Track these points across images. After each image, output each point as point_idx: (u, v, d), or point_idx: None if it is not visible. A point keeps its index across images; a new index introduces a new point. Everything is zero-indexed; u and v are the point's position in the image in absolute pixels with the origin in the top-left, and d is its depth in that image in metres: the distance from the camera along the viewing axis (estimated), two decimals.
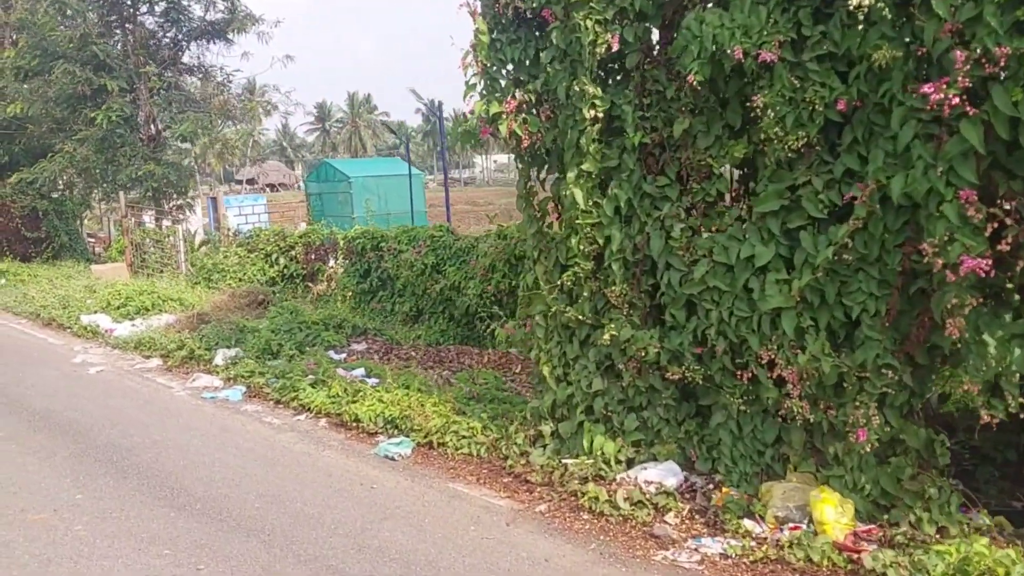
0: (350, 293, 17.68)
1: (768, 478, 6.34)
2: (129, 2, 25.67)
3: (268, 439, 8.53)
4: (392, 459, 7.79)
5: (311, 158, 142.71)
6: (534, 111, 7.22)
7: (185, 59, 27.21)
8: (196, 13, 26.26)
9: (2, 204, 26.25)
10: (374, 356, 11.94)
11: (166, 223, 26.18)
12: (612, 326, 6.77)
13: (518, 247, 13.86)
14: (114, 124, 24.14)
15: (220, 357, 11.38)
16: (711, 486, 6.54)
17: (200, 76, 27.61)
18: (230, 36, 26.66)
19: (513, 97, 7.15)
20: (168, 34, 26.80)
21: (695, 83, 6.02)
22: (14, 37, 25.73)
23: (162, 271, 23.18)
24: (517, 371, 12.16)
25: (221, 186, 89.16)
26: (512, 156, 7.70)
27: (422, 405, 8.57)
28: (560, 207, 7.62)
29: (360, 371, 10.50)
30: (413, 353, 12.36)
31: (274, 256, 19.67)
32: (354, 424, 8.67)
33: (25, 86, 24.66)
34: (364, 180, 41.71)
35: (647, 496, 6.31)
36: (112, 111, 23.96)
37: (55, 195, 27.58)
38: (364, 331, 13.28)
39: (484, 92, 7.27)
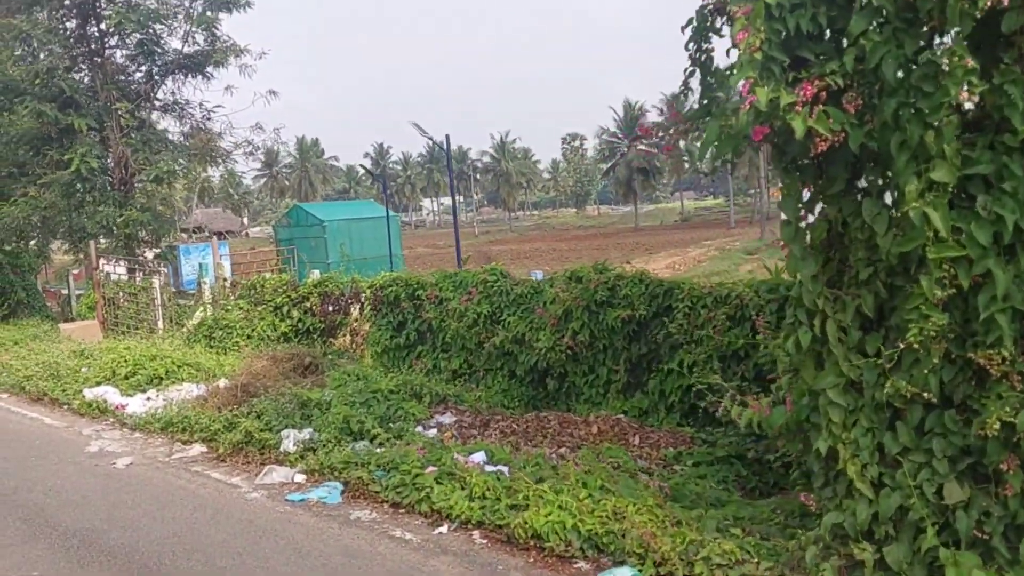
0: (380, 349, 15.33)
1: None
2: (98, 34, 23.22)
3: (420, 570, 6.15)
4: None
5: (257, 204, 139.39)
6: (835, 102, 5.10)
7: (159, 95, 24.78)
8: (172, 45, 23.86)
9: None
10: (473, 431, 9.64)
11: (140, 275, 23.63)
12: (1002, 408, 4.61)
13: (598, 291, 11.86)
14: (90, 169, 21.59)
15: (290, 441, 8.93)
16: None
17: (176, 113, 25.09)
18: (208, 70, 24.26)
19: (809, 82, 5.02)
20: (141, 68, 24.35)
21: None
22: None
23: (137, 329, 20.64)
24: (636, 443, 10.08)
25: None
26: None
27: (622, 512, 6.28)
28: (840, 235, 5.51)
29: (480, 456, 8.17)
30: (515, 426, 10.08)
31: (285, 308, 17.25)
32: (531, 543, 6.33)
33: None
34: (338, 224, 39.60)
35: None
36: (87, 156, 21.41)
37: (8, 247, 24.59)
38: (443, 399, 10.95)
39: (762, 77, 5.11)
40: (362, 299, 16.24)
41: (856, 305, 5.34)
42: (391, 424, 9.44)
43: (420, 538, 6.71)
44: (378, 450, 8.41)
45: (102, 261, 23.06)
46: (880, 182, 5.20)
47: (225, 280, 20.76)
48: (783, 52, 5.17)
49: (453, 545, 6.54)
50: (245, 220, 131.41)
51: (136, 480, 8.64)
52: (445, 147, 22.12)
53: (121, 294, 22.32)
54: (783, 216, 5.64)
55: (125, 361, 13.07)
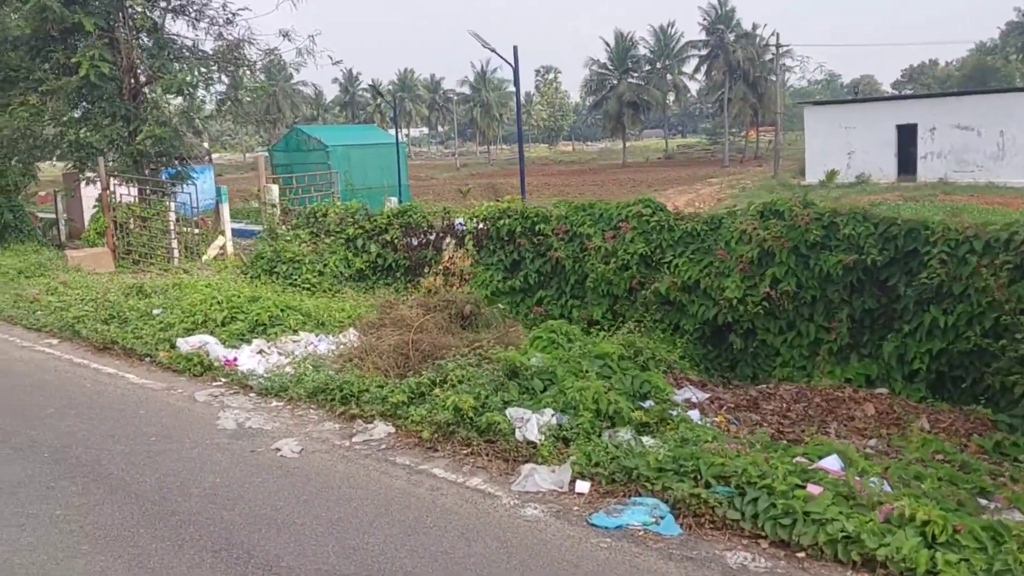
0: (490, 292, 12.90)
1: None
2: None
3: None
4: None
5: (216, 129, 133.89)
6: None
7: None
8: None
9: None
10: (747, 414, 7.35)
11: (152, 198, 20.85)
12: None
13: (811, 230, 9.77)
14: (101, 76, 18.62)
15: (532, 427, 6.52)
16: None
17: (192, 16, 21.89)
18: None
19: None
20: None
21: None
22: None
23: (150, 259, 18.07)
24: (927, 428, 8.00)
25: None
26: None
27: None
28: None
29: (834, 461, 5.87)
30: (784, 408, 7.81)
31: (359, 242, 14.72)
32: None
33: None
34: (342, 149, 36.85)
35: None
36: (97, 60, 18.41)
37: None
38: (669, 366, 8.63)
39: None
40: (460, 233, 13.79)
41: None
42: (641, 403, 7.10)
43: None
44: (677, 448, 6.02)
45: (113, 181, 20.22)
46: None
47: (273, 207, 18.08)
48: None
49: None
50: (206, 145, 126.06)
51: (330, 480, 6.14)
52: (512, 60, 19.53)
53: (132, 219, 19.62)
54: None
55: (218, 303, 10.42)
